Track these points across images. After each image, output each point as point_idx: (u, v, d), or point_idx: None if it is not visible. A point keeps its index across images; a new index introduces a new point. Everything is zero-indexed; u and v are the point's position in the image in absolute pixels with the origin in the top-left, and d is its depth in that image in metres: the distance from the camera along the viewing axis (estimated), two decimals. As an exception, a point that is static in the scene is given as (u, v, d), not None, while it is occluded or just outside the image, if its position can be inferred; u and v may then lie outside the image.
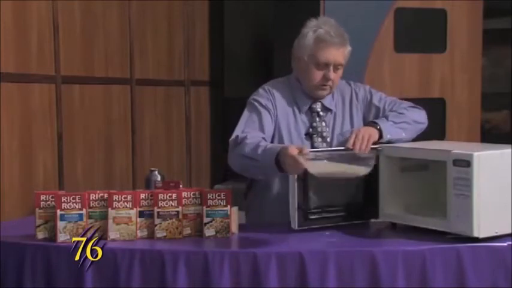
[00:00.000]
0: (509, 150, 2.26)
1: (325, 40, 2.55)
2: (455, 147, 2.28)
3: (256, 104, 2.62)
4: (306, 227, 2.43)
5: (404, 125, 2.60)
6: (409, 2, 4.35)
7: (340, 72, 2.61)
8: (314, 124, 2.62)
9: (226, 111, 5.26)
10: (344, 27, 2.64)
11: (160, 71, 4.46)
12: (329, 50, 2.55)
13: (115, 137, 3.99)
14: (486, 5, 4.55)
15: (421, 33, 4.41)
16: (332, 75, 2.57)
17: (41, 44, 3.36)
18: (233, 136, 2.53)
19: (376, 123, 2.55)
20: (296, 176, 2.37)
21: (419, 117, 2.68)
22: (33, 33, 3.31)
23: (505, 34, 5.32)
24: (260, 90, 2.68)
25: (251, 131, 2.53)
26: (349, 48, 2.61)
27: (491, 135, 5.06)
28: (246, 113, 2.63)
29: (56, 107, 3.47)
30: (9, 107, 3.14)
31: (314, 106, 2.64)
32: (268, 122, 2.59)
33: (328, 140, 2.63)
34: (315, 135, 2.63)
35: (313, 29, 2.59)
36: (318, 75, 2.57)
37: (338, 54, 2.57)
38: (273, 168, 2.31)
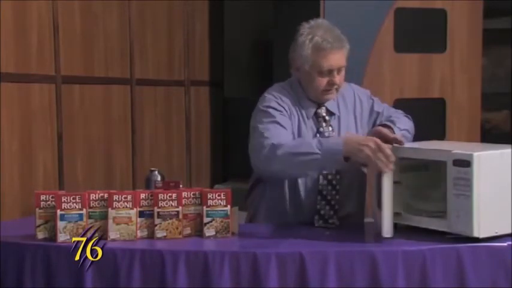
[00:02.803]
0: (509, 150, 2.26)
1: (324, 48, 2.49)
2: (455, 147, 2.28)
3: (270, 110, 2.52)
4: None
5: (406, 133, 2.62)
6: (409, 2, 4.34)
7: (343, 73, 2.56)
8: (321, 129, 2.57)
9: (226, 111, 5.26)
10: (344, 27, 2.61)
11: (160, 71, 4.46)
12: (330, 56, 2.50)
13: (115, 137, 3.99)
14: (486, 5, 4.54)
15: (421, 33, 4.40)
16: (337, 79, 2.53)
17: (41, 44, 3.36)
18: (266, 143, 2.40)
19: (390, 128, 2.56)
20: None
21: (412, 129, 2.71)
22: (33, 33, 3.31)
23: (505, 34, 5.31)
24: (268, 96, 2.58)
25: (281, 135, 2.44)
26: (348, 47, 2.55)
27: (491, 135, 5.05)
28: (263, 121, 2.49)
29: (56, 107, 3.47)
30: (9, 107, 3.14)
31: (319, 111, 2.60)
32: (289, 124, 2.52)
33: None
34: None
35: (308, 38, 2.52)
36: (322, 82, 2.53)
37: (339, 58, 2.52)
38: (338, 158, 2.28)
